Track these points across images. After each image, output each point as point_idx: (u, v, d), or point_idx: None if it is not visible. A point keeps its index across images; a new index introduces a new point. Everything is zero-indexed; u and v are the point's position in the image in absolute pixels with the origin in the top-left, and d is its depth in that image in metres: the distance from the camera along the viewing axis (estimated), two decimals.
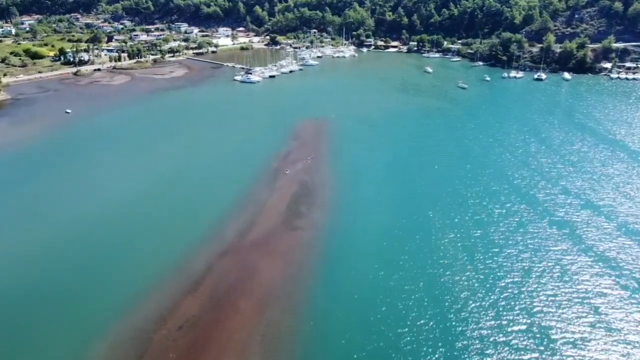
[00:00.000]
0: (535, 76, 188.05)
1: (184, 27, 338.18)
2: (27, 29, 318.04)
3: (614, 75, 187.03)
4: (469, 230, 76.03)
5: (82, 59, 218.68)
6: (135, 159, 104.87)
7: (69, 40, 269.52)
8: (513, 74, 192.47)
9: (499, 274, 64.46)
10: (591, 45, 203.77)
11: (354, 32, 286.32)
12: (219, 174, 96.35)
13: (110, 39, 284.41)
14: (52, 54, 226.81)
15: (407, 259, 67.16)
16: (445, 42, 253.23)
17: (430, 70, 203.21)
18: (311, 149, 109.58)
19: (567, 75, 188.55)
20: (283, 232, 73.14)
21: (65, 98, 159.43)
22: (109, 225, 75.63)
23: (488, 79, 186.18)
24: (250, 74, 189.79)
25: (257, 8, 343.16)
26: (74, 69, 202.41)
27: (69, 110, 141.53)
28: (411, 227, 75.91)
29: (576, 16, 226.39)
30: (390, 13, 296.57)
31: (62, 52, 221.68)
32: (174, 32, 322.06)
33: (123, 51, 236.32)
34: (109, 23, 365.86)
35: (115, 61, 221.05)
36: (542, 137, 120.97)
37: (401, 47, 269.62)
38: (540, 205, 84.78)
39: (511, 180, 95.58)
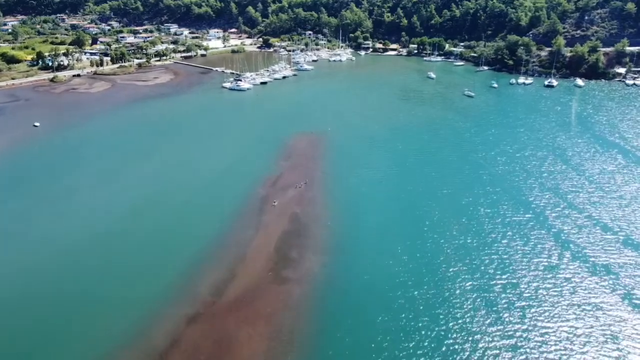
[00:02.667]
0: (546, 82, 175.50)
1: (173, 28, 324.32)
2: (9, 30, 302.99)
3: (629, 82, 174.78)
4: (490, 276, 63.71)
5: (62, 63, 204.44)
6: (99, 185, 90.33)
7: (52, 43, 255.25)
8: (521, 79, 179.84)
9: (531, 340, 51.98)
10: (603, 49, 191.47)
11: (351, 34, 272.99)
12: (196, 205, 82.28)
13: (95, 42, 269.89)
14: (29, 58, 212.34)
15: (418, 320, 54.71)
16: (447, 45, 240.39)
17: (433, 75, 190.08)
18: (304, 172, 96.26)
19: (579, 81, 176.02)
20: (269, 287, 59.86)
21: (36, 109, 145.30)
22: (47, 283, 61.27)
23: (495, 85, 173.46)
24: (240, 80, 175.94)
25: (250, 8, 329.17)
26: (51, 75, 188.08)
27: (37, 124, 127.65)
28: (422, 275, 63.29)
29: (586, 18, 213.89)
30: (389, 14, 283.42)
31: (40, 56, 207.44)
32: (163, 33, 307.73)
33: (106, 55, 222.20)
34: (96, 24, 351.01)
35: (97, 66, 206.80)
36: (561, 153, 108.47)
37: (400, 49, 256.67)
38: (570, 242, 72.34)
39: (533, 207, 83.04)
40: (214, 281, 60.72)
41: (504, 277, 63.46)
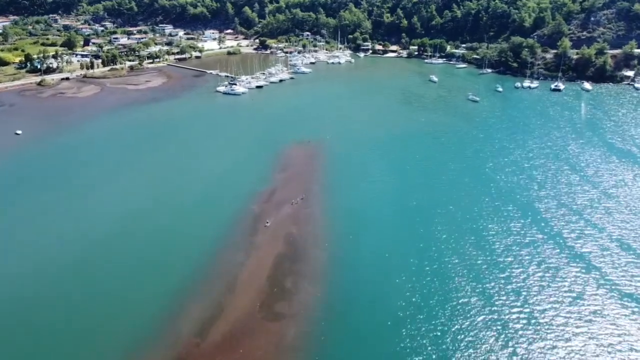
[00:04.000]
0: (552, 86, 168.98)
1: (168, 29, 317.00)
2: (0, 31, 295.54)
3: (639, 85, 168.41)
4: (505, 306, 57.67)
5: (51, 66, 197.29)
6: (75, 203, 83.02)
7: (43, 44, 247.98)
8: (527, 83, 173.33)
9: None
10: (610, 51, 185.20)
11: (350, 35, 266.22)
12: (181, 225, 75.20)
13: (87, 43, 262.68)
14: (17, 60, 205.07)
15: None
16: (448, 47, 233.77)
17: (435, 79, 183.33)
18: (301, 185, 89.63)
19: (587, 85, 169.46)
20: (260, 325, 53.21)
21: (20, 114, 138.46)
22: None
23: (500, 89, 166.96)
24: (235, 84, 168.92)
25: (247, 9, 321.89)
26: (39, 78, 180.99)
27: (19, 132, 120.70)
28: (429, 307, 57.16)
29: (592, 19, 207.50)
30: (389, 14, 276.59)
31: (28, 58, 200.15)
32: (157, 34, 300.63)
33: (97, 57, 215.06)
34: (89, 25, 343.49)
35: (87, 69, 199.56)
36: (573, 163, 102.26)
37: (401, 51, 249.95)
38: (592, 267, 66.26)
39: (548, 225, 76.94)
40: (199, 317, 54.05)
41: (520, 307, 57.48)
